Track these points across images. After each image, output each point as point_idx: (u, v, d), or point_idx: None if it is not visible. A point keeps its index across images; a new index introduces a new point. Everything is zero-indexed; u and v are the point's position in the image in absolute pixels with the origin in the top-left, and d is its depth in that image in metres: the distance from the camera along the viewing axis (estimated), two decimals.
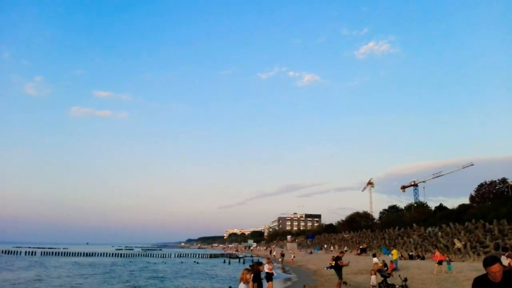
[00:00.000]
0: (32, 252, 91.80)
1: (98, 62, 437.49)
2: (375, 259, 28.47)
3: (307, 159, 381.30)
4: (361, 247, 58.96)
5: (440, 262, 24.58)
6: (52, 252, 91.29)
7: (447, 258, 25.52)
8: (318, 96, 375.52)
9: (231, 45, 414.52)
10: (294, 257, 53.31)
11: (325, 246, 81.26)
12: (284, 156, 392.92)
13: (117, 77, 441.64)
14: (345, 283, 21.24)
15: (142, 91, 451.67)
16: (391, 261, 28.05)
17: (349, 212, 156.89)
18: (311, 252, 71.75)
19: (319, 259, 48.37)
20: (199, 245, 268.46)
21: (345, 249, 65.01)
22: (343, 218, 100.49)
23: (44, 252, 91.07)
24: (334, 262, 35.74)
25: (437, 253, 25.80)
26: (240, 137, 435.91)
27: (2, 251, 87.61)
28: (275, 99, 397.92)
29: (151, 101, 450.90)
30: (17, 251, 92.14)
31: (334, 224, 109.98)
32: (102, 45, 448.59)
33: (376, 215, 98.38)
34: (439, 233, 47.29)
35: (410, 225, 58.04)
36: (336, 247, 75.13)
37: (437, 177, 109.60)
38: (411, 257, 42.83)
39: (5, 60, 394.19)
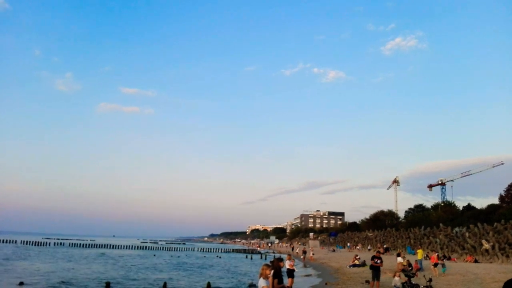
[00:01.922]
0: (61, 243, 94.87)
1: (124, 58, 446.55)
2: (399, 259, 28.03)
3: (331, 156, 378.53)
4: (385, 246, 58.11)
5: (435, 265, 24.72)
6: (80, 244, 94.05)
7: (442, 262, 25.54)
8: (344, 92, 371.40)
9: (255, 41, 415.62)
10: (313, 254, 53.04)
11: (348, 244, 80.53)
12: (307, 152, 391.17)
13: (143, 73, 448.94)
14: (367, 281, 20.99)
15: (166, 87, 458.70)
16: (416, 261, 27.59)
17: (373, 211, 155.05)
18: (333, 250, 71.19)
19: (342, 257, 47.94)
20: (221, 240, 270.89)
21: (369, 248, 64.27)
22: (367, 217, 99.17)
23: (72, 244, 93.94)
24: (357, 261, 35.63)
25: (434, 256, 25.92)
26: (263, 133, 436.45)
27: (32, 242, 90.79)
28: (299, 95, 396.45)
29: (175, 97, 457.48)
30: (46, 242, 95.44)
31: (357, 222, 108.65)
32: (128, 41, 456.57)
33: (401, 214, 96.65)
34: (467, 234, 46.03)
35: (436, 224, 56.69)
36: (360, 245, 74.29)
37: (465, 176, 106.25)
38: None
39: (36, 57, 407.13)
